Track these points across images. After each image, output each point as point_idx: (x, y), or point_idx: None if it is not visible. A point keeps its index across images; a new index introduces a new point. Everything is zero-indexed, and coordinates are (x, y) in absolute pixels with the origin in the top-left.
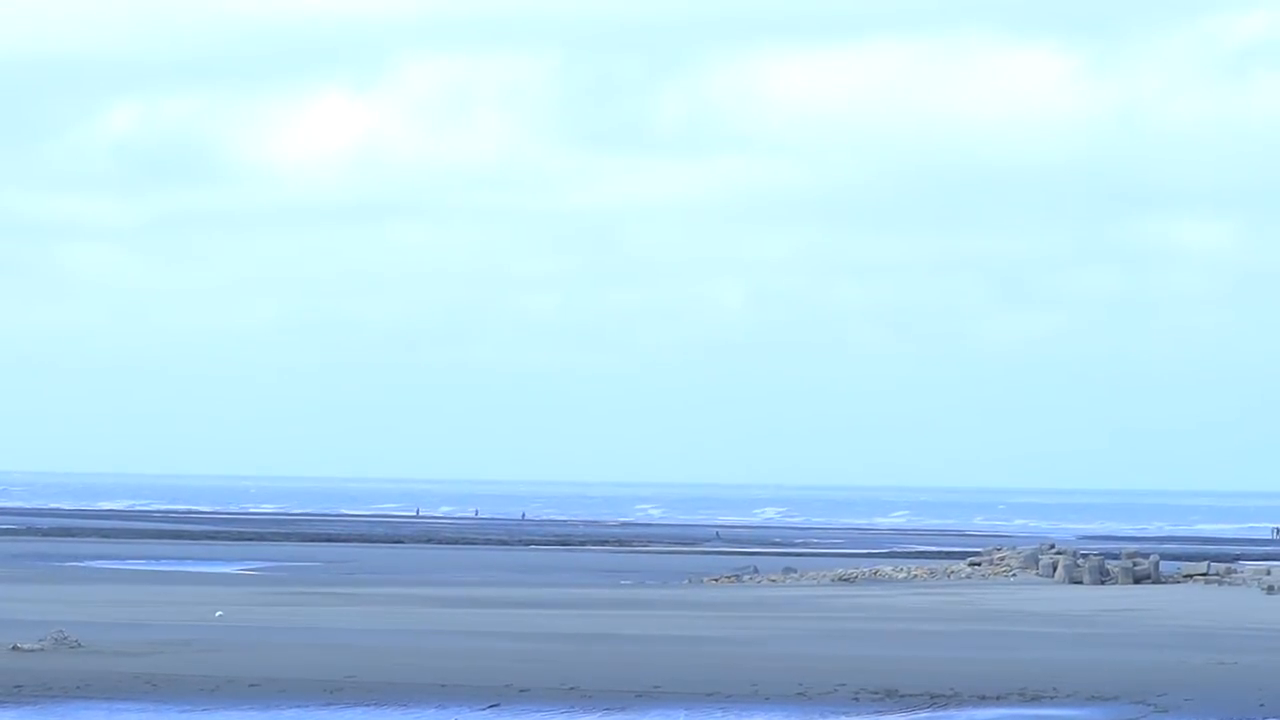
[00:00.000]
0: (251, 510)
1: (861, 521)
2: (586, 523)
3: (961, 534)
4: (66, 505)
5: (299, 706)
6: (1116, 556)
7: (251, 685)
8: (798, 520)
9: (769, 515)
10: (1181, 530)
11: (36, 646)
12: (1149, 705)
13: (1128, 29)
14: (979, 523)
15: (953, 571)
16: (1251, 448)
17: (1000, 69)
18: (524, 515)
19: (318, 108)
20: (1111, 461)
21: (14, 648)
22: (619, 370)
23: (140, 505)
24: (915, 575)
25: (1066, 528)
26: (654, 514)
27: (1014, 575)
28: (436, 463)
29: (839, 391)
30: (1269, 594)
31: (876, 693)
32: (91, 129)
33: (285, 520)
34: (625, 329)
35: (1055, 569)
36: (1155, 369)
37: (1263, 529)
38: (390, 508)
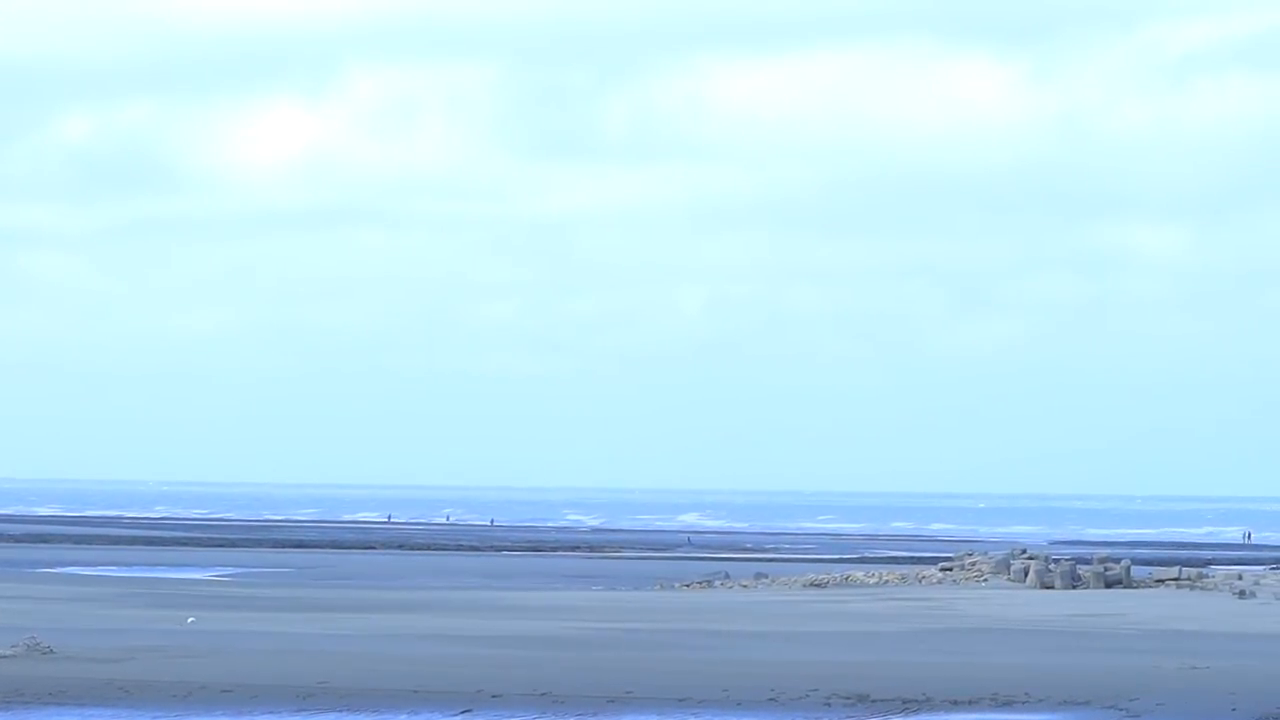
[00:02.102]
0: (210, 516)
1: (809, 525)
2: (558, 529)
3: (933, 539)
4: (9, 510)
5: (271, 713)
6: (1088, 561)
7: (224, 691)
8: (715, 525)
9: (688, 520)
10: (1152, 535)
11: (8, 653)
12: (1121, 710)
13: (1066, 37)
14: (897, 526)
15: (924, 577)
16: (1215, 452)
17: (942, 76)
18: (493, 521)
19: (270, 116)
20: (1070, 466)
21: None
22: (576, 376)
23: (73, 512)
24: (886, 580)
25: (996, 531)
26: (587, 521)
27: (985, 580)
28: (392, 468)
29: (795, 397)
30: (1241, 598)
31: (848, 698)
32: (46, 137)
33: (257, 526)
34: (582, 335)
35: (1027, 574)
36: (1112, 374)
37: (1233, 533)
38: (309, 513)
